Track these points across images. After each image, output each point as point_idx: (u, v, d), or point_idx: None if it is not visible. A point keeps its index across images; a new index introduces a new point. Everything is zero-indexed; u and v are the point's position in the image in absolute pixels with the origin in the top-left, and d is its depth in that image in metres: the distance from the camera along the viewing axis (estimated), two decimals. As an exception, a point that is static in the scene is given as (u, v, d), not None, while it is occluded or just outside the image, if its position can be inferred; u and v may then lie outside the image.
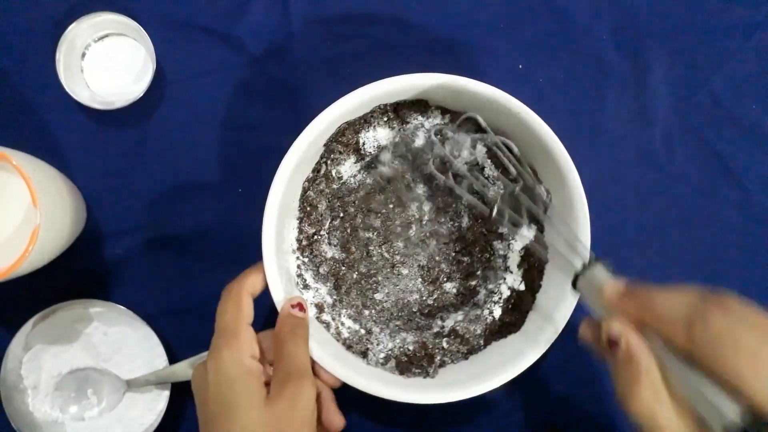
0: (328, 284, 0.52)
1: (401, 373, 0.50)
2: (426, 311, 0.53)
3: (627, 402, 0.35)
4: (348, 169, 0.52)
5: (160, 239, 0.56)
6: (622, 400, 0.35)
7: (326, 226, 0.53)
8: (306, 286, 0.51)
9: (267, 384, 0.42)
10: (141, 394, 0.54)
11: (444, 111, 0.51)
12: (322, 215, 0.52)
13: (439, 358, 0.50)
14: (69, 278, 0.55)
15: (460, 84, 0.47)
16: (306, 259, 0.51)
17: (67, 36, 0.53)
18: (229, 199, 0.56)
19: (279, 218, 0.47)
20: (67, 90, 0.53)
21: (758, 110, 0.57)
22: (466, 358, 0.51)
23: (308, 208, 0.51)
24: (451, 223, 0.53)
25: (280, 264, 0.47)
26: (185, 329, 0.55)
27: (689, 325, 0.33)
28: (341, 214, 0.53)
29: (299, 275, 0.51)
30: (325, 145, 0.50)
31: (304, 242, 0.51)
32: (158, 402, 0.53)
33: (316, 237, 0.52)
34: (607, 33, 0.57)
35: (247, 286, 0.45)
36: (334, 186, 0.52)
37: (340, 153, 0.51)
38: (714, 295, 0.34)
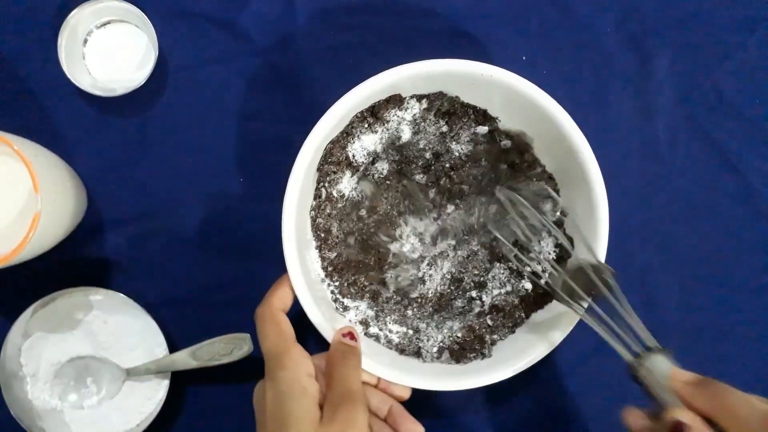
0: (366, 299, 0.52)
1: (457, 361, 0.50)
2: (464, 294, 0.53)
3: None
4: (347, 184, 0.52)
5: (161, 228, 0.55)
6: None
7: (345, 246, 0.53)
8: (345, 308, 0.51)
9: (321, 406, 0.42)
10: (141, 383, 0.54)
11: (419, 98, 0.51)
12: (338, 237, 0.52)
13: (488, 336, 0.51)
14: (69, 266, 0.55)
15: (431, 69, 0.47)
16: (337, 283, 0.51)
17: (69, 22, 0.53)
18: (230, 189, 0.56)
19: (299, 255, 0.47)
20: (69, 76, 0.53)
21: (761, 104, 0.57)
22: (513, 332, 0.51)
23: (323, 235, 0.51)
24: (456, 208, 0.53)
25: (315, 294, 0.47)
26: (186, 318, 0.55)
27: (765, 428, 0.33)
28: (355, 229, 0.53)
29: (335, 299, 0.51)
30: (318, 170, 0.50)
31: (330, 268, 0.51)
32: (158, 391, 0.53)
33: (339, 259, 0.52)
34: (611, 26, 0.57)
35: (277, 304, 0.45)
36: (340, 205, 0.52)
37: (335, 173, 0.51)
38: None
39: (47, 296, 0.52)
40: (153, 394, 0.53)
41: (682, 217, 0.57)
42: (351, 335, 0.46)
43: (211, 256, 0.55)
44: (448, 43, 0.57)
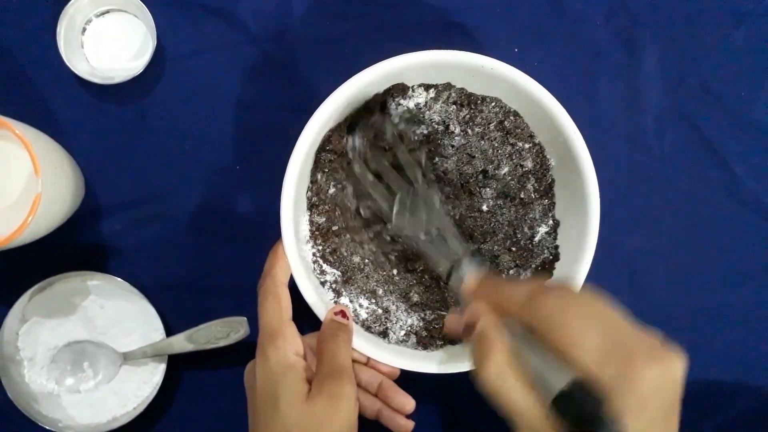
0: (341, 268, 0.52)
1: (424, 347, 0.51)
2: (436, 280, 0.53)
3: (478, 375, 0.37)
4: (342, 174, 0.52)
5: (158, 214, 0.56)
6: (474, 373, 0.38)
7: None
8: (323, 272, 0.51)
9: (311, 382, 0.43)
10: (137, 367, 0.54)
11: (427, 87, 0.52)
12: (329, 208, 0.53)
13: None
14: (67, 251, 0.55)
15: (430, 59, 0.48)
16: (320, 247, 0.52)
17: (68, 10, 0.53)
18: (226, 176, 0.57)
19: (297, 241, 0.48)
20: (68, 64, 0.53)
21: (746, 97, 0.58)
22: None
23: (315, 201, 0.52)
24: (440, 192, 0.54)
25: (300, 255, 0.49)
26: (182, 303, 0.55)
27: (530, 304, 0.37)
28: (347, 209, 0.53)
29: (315, 261, 0.51)
30: (315, 156, 0.51)
31: (316, 232, 0.52)
32: (154, 375, 0.54)
33: (326, 225, 0.53)
34: (601, 19, 0.59)
35: (281, 278, 0.46)
36: (333, 191, 0.52)
37: (331, 162, 0.51)
38: (553, 282, 0.38)
39: (44, 281, 0.52)
40: (149, 378, 0.54)
41: (669, 206, 0.58)
42: (343, 314, 0.47)
43: (207, 241, 0.56)
44: (442, 35, 0.58)
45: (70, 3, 0.53)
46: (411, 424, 0.47)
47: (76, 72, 0.53)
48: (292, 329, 0.45)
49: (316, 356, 0.45)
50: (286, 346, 0.44)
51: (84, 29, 0.56)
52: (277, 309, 0.45)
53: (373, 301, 0.52)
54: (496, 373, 0.36)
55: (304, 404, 0.41)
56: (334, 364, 0.44)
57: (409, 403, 0.47)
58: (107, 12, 0.56)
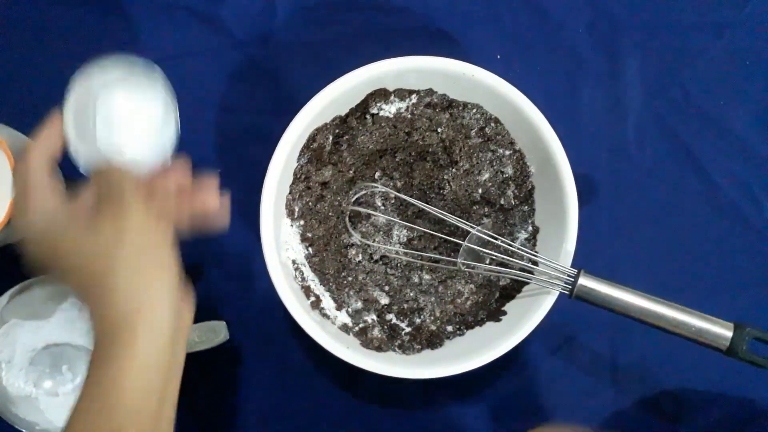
0: (323, 272, 0.53)
1: (403, 351, 0.51)
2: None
3: None
4: (329, 173, 0.53)
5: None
6: None
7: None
8: (303, 279, 0.52)
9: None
10: (116, 371, 0.54)
11: (410, 93, 0.52)
12: (308, 213, 0.53)
13: (437, 330, 0.52)
14: (46, 253, 0.55)
15: (412, 65, 0.49)
16: (302, 252, 0.52)
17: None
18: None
19: (276, 237, 0.49)
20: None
21: (726, 106, 0.59)
22: (463, 334, 0.52)
23: (296, 209, 0.52)
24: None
25: (281, 260, 0.49)
26: (162, 306, 0.55)
27: None
28: (327, 208, 0.54)
29: (296, 268, 0.51)
30: (299, 154, 0.51)
31: (296, 236, 0.52)
32: (133, 378, 0.54)
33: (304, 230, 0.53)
34: (582, 27, 0.59)
35: (38, 154, 0.42)
36: (317, 192, 0.53)
37: (318, 160, 0.52)
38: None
39: (23, 282, 0.52)
40: (128, 382, 0.54)
41: (649, 214, 0.58)
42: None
43: (186, 245, 0.56)
44: (426, 41, 0.58)
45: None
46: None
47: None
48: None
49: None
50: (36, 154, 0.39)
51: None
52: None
53: (355, 304, 0.52)
54: None
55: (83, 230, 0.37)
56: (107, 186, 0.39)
57: (208, 202, 0.41)
58: None
